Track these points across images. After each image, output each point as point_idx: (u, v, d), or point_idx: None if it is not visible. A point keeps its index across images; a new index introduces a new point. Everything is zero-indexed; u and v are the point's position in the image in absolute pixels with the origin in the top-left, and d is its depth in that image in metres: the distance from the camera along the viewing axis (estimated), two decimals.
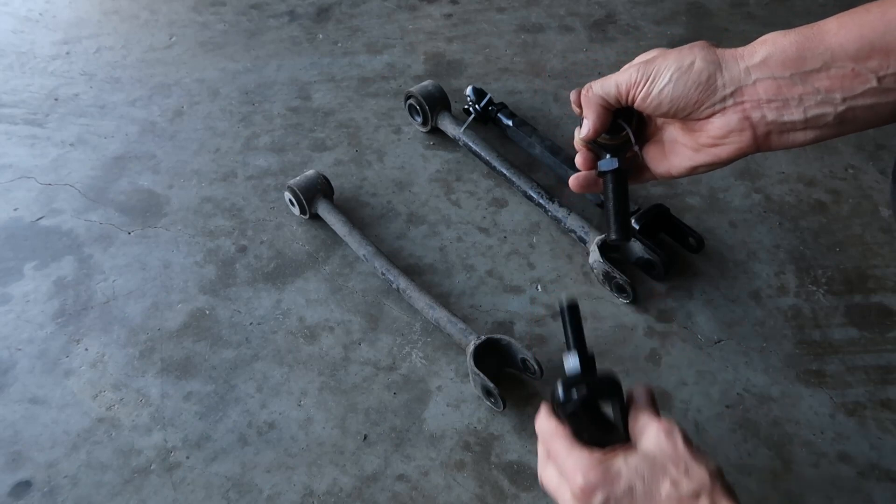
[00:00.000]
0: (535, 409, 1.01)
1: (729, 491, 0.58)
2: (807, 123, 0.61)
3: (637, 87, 0.68)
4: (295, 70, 1.55)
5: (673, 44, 1.57)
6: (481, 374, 0.96)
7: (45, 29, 1.68)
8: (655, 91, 0.66)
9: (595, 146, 0.78)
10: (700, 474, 0.58)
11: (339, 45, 1.61)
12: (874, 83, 0.58)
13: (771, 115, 0.62)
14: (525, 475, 0.94)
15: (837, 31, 0.58)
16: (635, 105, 0.70)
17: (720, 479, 0.58)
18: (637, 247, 1.11)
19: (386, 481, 0.94)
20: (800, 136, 0.62)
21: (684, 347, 1.06)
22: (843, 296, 1.11)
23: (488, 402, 1.00)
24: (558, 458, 0.62)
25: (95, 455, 0.97)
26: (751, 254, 1.17)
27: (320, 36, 1.64)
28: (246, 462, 0.96)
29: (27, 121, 1.45)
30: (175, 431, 0.99)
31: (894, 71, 0.57)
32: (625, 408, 0.65)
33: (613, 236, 0.78)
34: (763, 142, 0.64)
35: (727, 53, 0.63)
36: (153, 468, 0.96)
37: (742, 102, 0.62)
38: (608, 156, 0.77)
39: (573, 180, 0.79)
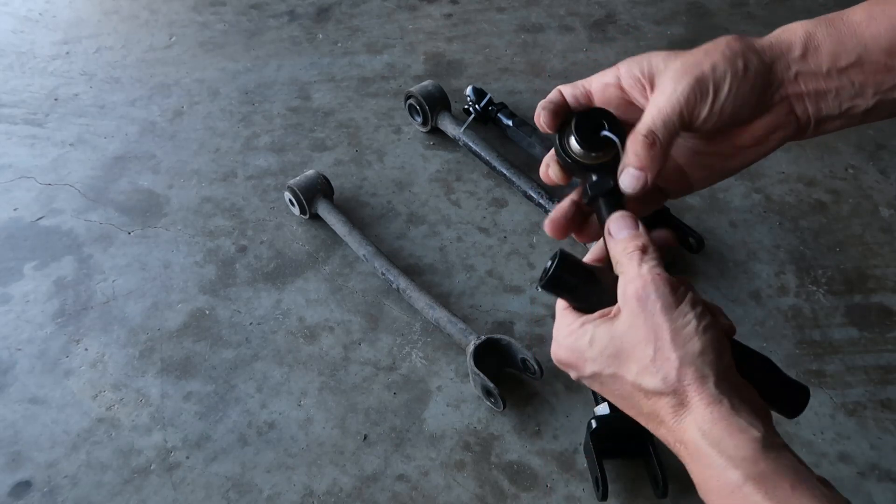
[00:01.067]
0: (535, 409, 1.01)
1: (705, 382, 0.49)
2: (840, 115, 0.60)
3: (696, 110, 0.57)
4: (295, 70, 1.55)
5: (673, 44, 1.57)
6: (481, 374, 0.96)
7: (45, 29, 1.68)
8: (717, 108, 0.57)
9: (574, 166, 0.60)
10: (665, 369, 0.49)
11: (339, 45, 1.61)
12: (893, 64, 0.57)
13: (811, 109, 0.60)
14: (525, 475, 0.94)
15: (868, 23, 0.57)
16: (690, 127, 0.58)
17: (696, 369, 0.49)
18: None
19: (386, 481, 0.94)
20: (830, 126, 0.62)
21: None
22: (843, 296, 1.11)
23: (488, 402, 1.00)
24: (555, 327, 0.58)
25: (95, 455, 0.97)
26: (751, 254, 1.17)
27: (320, 36, 1.64)
28: (246, 462, 0.96)
29: (27, 121, 1.45)
30: (175, 431, 0.99)
31: None
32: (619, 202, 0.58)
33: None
34: (802, 133, 0.62)
35: (766, 47, 0.58)
36: (153, 468, 0.96)
37: (787, 97, 0.60)
38: (594, 176, 0.59)
39: (550, 224, 0.61)
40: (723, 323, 0.55)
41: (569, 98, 0.61)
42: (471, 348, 0.99)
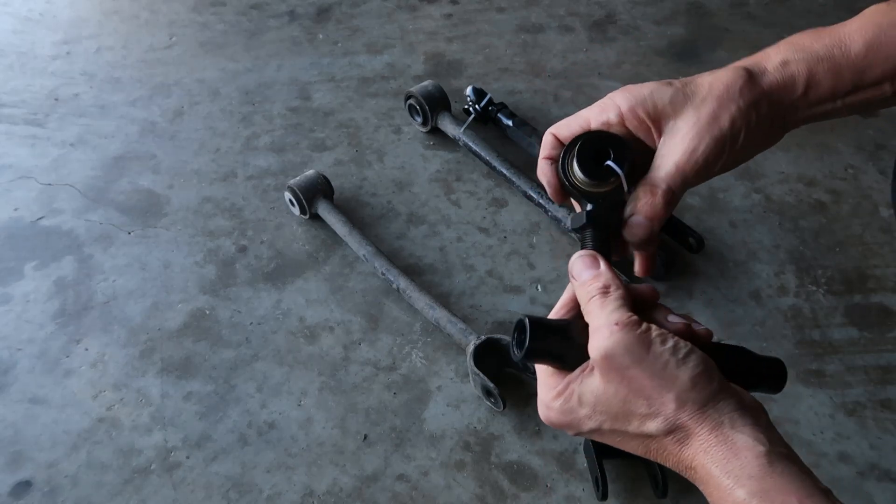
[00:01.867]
0: (535, 409, 1.01)
1: (703, 411, 0.50)
2: (825, 119, 0.63)
3: (714, 167, 0.59)
4: (295, 70, 1.55)
5: (673, 44, 1.57)
6: (481, 374, 0.96)
7: (45, 29, 1.68)
8: (733, 159, 0.59)
9: (573, 191, 0.59)
10: (664, 412, 0.50)
11: (339, 45, 1.61)
12: (888, 92, 0.60)
13: (801, 123, 0.63)
14: (525, 475, 0.94)
15: (866, 53, 0.59)
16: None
17: (692, 402, 0.50)
18: None
19: (386, 481, 0.94)
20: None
21: None
22: (843, 296, 1.11)
23: (488, 402, 1.00)
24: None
25: (95, 455, 0.97)
26: (751, 254, 1.17)
27: (320, 36, 1.64)
28: (246, 462, 0.96)
29: (27, 121, 1.45)
30: (175, 431, 0.99)
31: None
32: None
33: None
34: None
35: (775, 89, 0.59)
36: (153, 468, 0.96)
37: (789, 126, 0.63)
38: (590, 205, 0.58)
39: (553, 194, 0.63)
40: (697, 332, 0.56)
41: (567, 136, 0.61)
42: (471, 348, 0.99)
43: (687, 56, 1.55)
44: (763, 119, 0.59)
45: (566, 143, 0.60)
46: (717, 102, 0.57)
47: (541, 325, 0.55)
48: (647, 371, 0.50)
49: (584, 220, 0.58)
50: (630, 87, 0.60)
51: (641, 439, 0.53)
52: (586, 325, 0.55)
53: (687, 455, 0.51)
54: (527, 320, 0.55)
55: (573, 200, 0.62)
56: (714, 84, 0.58)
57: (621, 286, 0.55)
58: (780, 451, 0.49)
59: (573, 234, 0.58)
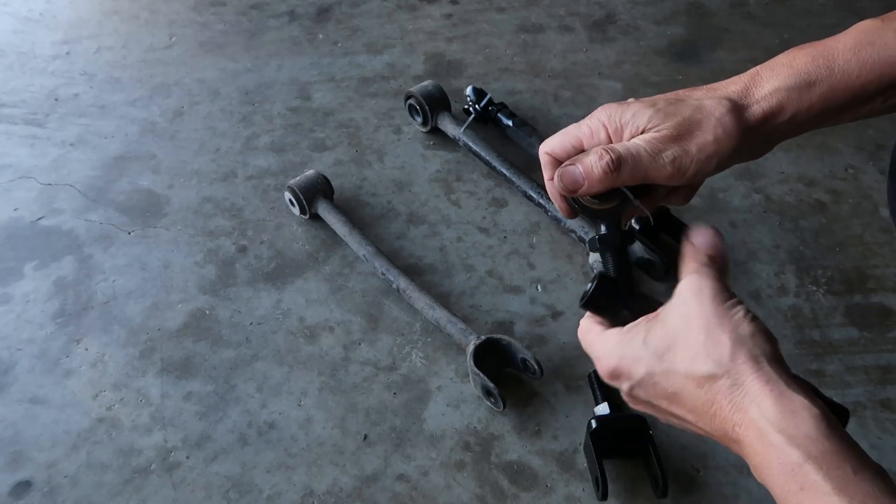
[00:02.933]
0: (535, 409, 1.02)
1: (754, 356, 0.49)
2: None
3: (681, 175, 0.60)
4: (295, 70, 1.55)
5: (673, 44, 1.57)
6: (481, 374, 0.96)
7: (45, 29, 1.68)
8: (699, 178, 0.61)
9: (580, 209, 0.62)
10: (717, 352, 0.50)
11: (339, 45, 1.61)
12: (879, 105, 0.62)
13: (791, 136, 0.64)
14: (525, 475, 0.94)
15: (860, 73, 0.60)
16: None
17: (749, 350, 0.50)
18: (637, 247, 1.11)
19: (386, 481, 0.94)
20: None
21: None
22: (843, 296, 1.11)
23: (488, 402, 1.00)
24: (590, 349, 0.59)
25: (95, 455, 0.97)
26: (751, 254, 1.17)
27: (320, 36, 1.64)
28: (246, 462, 0.96)
29: (27, 121, 1.45)
30: (175, 431, 0.99)
31: None
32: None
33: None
34: None
35: (760, 117, 0.60)
36: (153, 468, 0.96)
37: (776, 141, 0.64)
38: (602, 227, 0.62)
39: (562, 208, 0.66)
40: None
41: (562, 155, 0.63)
42: (471, 348, 0.99)
43: (687, 56, 1.55)
44: (743, 145, 0.60)
45: (563, 160, 0.62)
46: (698, 127, 0.59)
47: (612, 282, 0.59)
48: (717, 308, 0.52)
49: (598, 245, 0.62)
50: (612, 106, 0.62)
51: (690, 387, 0.51)
52: (645, 302, 0.58)
53: (737, 409, 0.49)
54: (599, 280, 0.59)
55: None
56: (697, 111, 0.59)
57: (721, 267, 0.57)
58: (835, 422, 0.47)
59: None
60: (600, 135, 0.61)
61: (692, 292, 0.53)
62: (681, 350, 0.52)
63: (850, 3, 1.63)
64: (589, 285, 0.59)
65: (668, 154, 0.58)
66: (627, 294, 0.59)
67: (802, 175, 1.30)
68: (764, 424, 0.47)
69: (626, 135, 0.60)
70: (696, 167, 0.59)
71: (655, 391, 0.54)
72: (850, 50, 0.60)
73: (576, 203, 0.62)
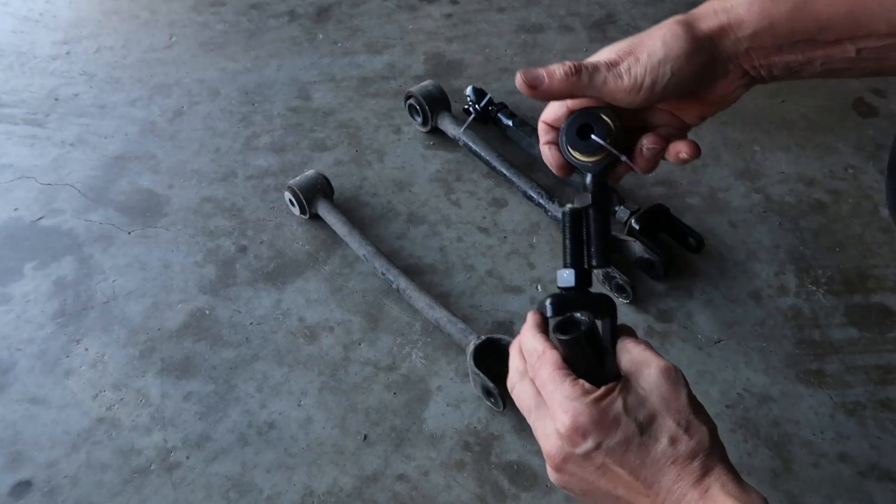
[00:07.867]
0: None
1: (722, 452, 0.55)
2: (791, 77, 0.64)
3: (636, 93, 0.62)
4: (295, 70, 1.55)
5: None
6: (481, 374, 0.96)
7: (45, 29, 1.68)
8: (659, 92, 0.61)
9: (573, 164, 0.66)
10: (700, 433, 0.54)
11: (339, 45, 1.61)
12: (852, 54, 0.60)
13: (763, 72, 0.63)
14: (525, 475, 0.94)
15: (828, 2, 0.59)
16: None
17: (717, 439, 0.55)
18: (637, 246, 1.11)
19: (386, 481, 0.94)
20: (783, 79, 0.65)
21: (684, 347, 1.06)
22: (843, 296, 1.11)
23: (488, 402, 1.00)
24: (545, 386, 0.58)
25: (95, 455, 0.97)
26: (751, 254, 1.17)
27: (320, 36, 1.64)
28: (246, 462, 0.96)
29: (27, 121, 1.45)
30: (175, 431, 0.99)
31: (873, 45, 0.59)
32: (615, 334, 0.61)
33: (594, 262, 0.68)
34: (759, 83, 0.66)
35: (714, 27, 0.61)
36: (153, 468, 0.96)
37: (739, 65, 0.63)
38: (588, 179, 0.65)
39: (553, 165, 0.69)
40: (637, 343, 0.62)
41: (555, 121, 0.67)
42: (471, 348, 0.99)
43: None
44: (698, 57, 0.60)
45: (557, 125, 0.66)
46: (648, 38, 0.62)
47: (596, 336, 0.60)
48: (693, 401, 0.58)
49: (590, 200, 0.66)
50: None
51: (663, 461, 0.54)
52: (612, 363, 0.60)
53: (702, 487, 0.53)
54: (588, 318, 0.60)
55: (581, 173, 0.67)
56: (648, 33, 0.62)
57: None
58: None
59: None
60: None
61: (665, 374, 0.57)
62: (664, 422, 0.55)
63: None
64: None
65: (623, 65, 0.61)
66: (605, 351, 0.60)
67: (802, 175, 1.30)
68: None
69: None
70: (652, 76, 0.60)
71: (620, 460, 0.55)
72: None
73: (571, 161, 0.65)
